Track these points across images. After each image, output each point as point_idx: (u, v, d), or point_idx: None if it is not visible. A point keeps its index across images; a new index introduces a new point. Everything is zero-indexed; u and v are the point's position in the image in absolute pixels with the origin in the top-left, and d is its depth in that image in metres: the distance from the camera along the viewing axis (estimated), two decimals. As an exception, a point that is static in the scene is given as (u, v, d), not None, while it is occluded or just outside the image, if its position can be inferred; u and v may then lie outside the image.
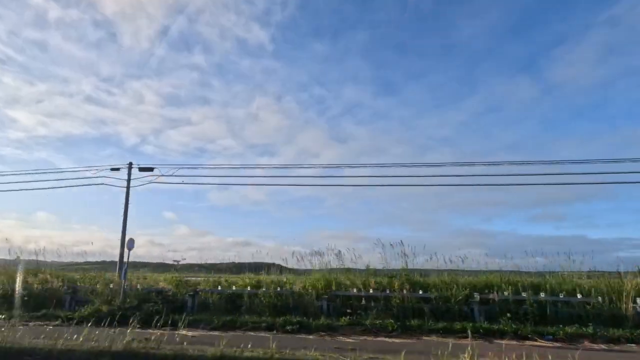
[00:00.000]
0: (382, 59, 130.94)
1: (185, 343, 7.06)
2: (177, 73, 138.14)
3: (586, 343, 8.07)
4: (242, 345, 6.53)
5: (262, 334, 8.87)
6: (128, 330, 6.93)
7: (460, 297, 10.53)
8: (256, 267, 15.24)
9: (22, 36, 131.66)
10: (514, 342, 8.01)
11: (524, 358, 5.71)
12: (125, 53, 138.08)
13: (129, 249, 12.22)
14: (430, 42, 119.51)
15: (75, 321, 9.79)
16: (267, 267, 15.02)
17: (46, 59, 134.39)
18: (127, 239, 13.40)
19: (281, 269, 15.53)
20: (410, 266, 12.96)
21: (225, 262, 18.14)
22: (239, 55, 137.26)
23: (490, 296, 10.44)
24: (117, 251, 16.12)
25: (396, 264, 13.16)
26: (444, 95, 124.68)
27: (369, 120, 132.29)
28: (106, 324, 7.77)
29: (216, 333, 8.86)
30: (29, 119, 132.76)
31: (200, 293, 11.98)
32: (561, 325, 8.96)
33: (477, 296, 10.40)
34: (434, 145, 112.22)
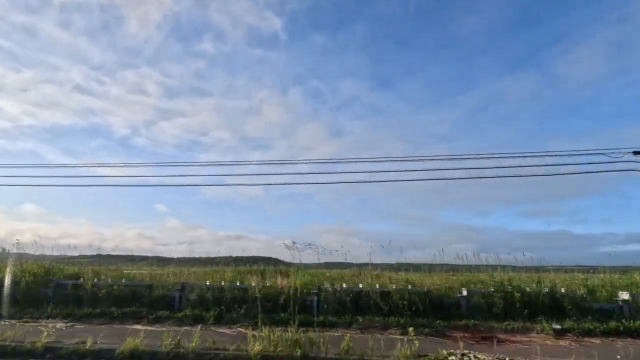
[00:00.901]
0: (380, 53, 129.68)
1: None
2: (178, 62, 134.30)
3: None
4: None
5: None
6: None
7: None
8: (254, 261, 15.40)
9: (9, 21, 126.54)
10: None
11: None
12: (122, 40, 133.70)
13: None
14: (429, 37, 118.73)
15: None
16: (263, 261, 15.18)
17: (34, 45, 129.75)
18: None
19: (277, 263, 15.71)
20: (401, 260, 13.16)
21: (220, 255, 18.23)
22: (248, 45, 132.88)
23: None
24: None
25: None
26: (441, 90, 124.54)
27: (365, 115, 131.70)
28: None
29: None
30: (14, 107, 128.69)
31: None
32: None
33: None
34: (431, 142, 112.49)
